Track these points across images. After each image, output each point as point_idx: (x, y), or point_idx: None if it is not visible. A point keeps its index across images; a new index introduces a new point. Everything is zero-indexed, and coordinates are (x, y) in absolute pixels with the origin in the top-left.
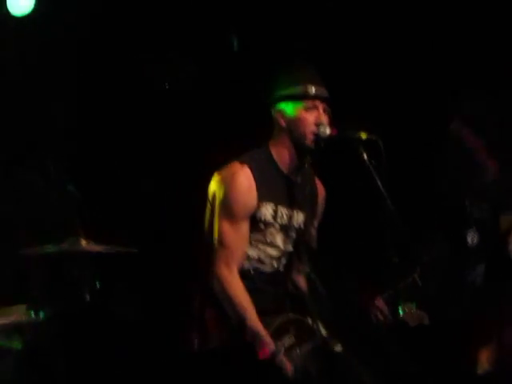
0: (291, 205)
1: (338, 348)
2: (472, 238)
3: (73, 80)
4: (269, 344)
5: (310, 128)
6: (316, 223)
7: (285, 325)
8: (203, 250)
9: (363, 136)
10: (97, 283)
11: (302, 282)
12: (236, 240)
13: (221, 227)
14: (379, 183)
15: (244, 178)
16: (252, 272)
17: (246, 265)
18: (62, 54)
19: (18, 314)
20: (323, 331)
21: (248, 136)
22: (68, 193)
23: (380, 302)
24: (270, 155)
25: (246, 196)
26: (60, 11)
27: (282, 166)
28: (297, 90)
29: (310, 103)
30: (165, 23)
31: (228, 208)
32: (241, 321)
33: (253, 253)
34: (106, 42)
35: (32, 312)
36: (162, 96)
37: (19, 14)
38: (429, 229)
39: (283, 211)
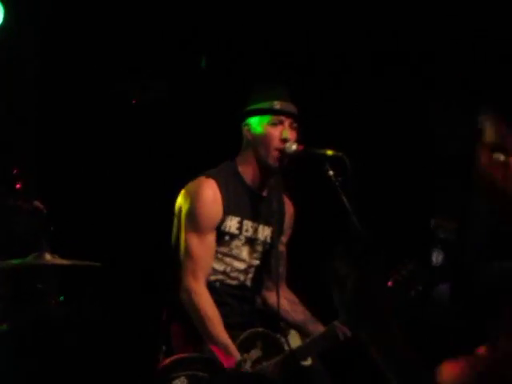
0: (257, 219)
1: (308, 362)
2: (436, 257)
3: (36, 93)
4: (235, 355)
5: (275, 143)
6: (285, 238)
7: (252, 338)
8: (170, 264)
9: (329, 152)
10: (60, 296)
11: (271, 298)
12: (203, 252)
13: (187, 239)
14: (344, 199)
15: (209, 191)
16: (218, 285)
17: (212, 278)
18: (26, 67)
19: None
20: (293, 345)
21: (216, 152)
22: (34, 208)
23: None
24: (237, 170)
25: (211, 208)
26: (27, 24)
27: (248, 180)
28: (264, 105)
29: (275, 118)
30: (136, 39)
31: (194, 220)
32: (207, 332)
33: (219, 266)
34: (74, 56)
35: None
36: (130, 112)
37: None
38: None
39: (249, 224)
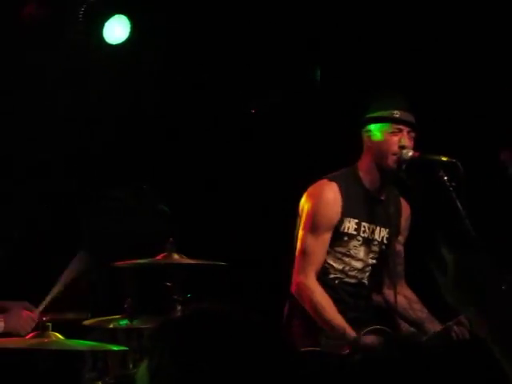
0: (374, 221)
1: None
2: None
3: (160, 105)
4: (351, 335)
5: (393, 150)
6: (402, 239)
7: (371, 333)
8: (292, 261)
9: (443, 159)
10: (187, 294)
11: (390, 296)
12: (316, 249)
13: (303, 237)
14: (458, 204)
15: (330, 193)
16: (336, 282)
17: (331, 276)
18: (151, 80)
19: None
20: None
21: (336, 158)
22: (160, 211)
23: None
24: (357, 174)
25: (331, 209)
26: (153, 40)
27: (367, 184)
28: (384, 113)
29: (395, 127)
30: (252, 51)
31: (312, 219)
32: (322, 318)
33: (337, 265)
34: (195, 68)
35: (127, 320)
36: (249, 120)
37: (114, 43)
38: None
39: (366, 226)
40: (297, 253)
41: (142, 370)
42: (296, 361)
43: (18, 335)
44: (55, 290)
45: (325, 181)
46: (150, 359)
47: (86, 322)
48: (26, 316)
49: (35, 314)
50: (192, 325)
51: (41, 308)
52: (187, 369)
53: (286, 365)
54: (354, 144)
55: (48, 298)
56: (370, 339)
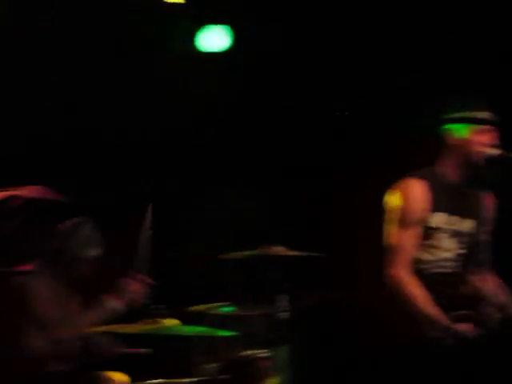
0: (461, 213)
1: None
2: None
3: (256, 108)
4: (445, 322)
5: (479, 148)
6: (488, 229)
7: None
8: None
9: None
10: (287, 284)
11: (479, 283)
12: (407, 243)
13: (394, 232)
14: None
15: (418, 190)
16: (428, 273)
17: (422, 267)
18: (248, 86)
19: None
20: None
21: (419, 155)
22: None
23: None
24: (441, 171)
25: (419, 205)
26: (251, 49)
27: (451, 179)
28: (468, 114)
29: (480, 127)
30: (345, 55)
31: (402, 215)
32: (416, 308)
33: (427, 256)
34: (289, 74)
35: (235, 308)
36: (340, 122)
37: (211, 51)
38: None
39: (454, 219)
40: (389, 247)
41: (282, 354)
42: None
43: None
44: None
45: (412, 178)
46: (290, 344)
47: (198, 309)
48: (133, 286)
49: (137, 278)
50: (322, 313)
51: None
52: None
53: None
54: (433, 144)
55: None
56: (461, 326)
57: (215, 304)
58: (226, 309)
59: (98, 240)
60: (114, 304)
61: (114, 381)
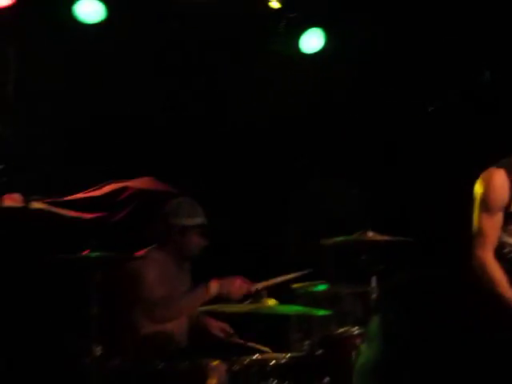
0: None
1: None
2: None
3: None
4: None
5: None
6: None
7: None
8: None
9: None
10: (381, 267)
11: None
12: (491, 228)
13: (479, 218)
14: None
15: (499, 178)
16: (510, 256)
17: (506, 249)
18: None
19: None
20: None
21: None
22: (355, 195)
23: None
24: None
25: (500, 192)
26: (345, 52)
27: None
28: None
29: None
30: (430, 54)
31: (485, 202)
32: (496, 290)
33: (510, 240)
34: (379, 71)
35: (329, 287)
36: (428, 117)
37: (310, 52)
38: None
39: None
40: (474, 232)
41: (373, 327)
42: None
43: (230, 300)
44: (281, 279)
45: (494, 168)
46: (382, 317)
47: (294, 287)
48: (239, 284)
49: (250, 286)
50: (416, 288)
51: (260, 286)
52: (415, 325)
53: None
54: None
55: (272, 282)
56: None
57: (311, 284)
58: (321, 288)
59: (200, 210)
60: (213, 289)
61: (214, 368)
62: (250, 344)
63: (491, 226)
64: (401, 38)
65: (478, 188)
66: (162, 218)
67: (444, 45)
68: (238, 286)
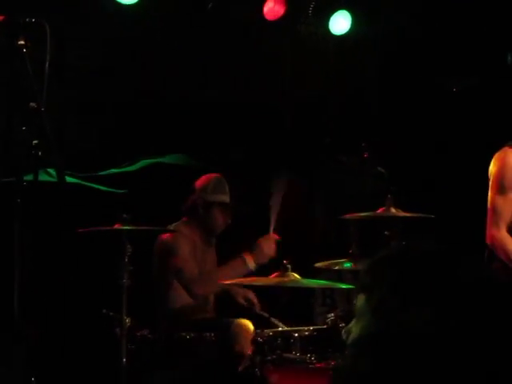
0: None
1: None
2: None
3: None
4: None
5: None
6: None
7: None
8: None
9: None
10: (402, 242)
11: None
12: (503, 206)
13: (492, 196)
14: None
15: (511, 157)
16: None
17: None
18: (369, 65)
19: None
20: None
21: None
22: (378, 172)
23: None
24: None
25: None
26: (369, 33)
27: None
28: None
29: None
30: (455, 36)
31: (498, 181)
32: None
33: None
34: (405, 56)
35: (352, 263)
36: (450, 98)
37: (339, 34)
38: None
39: None
40: (488, 210)
41: (361, 305)
42: None
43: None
44: (274, 213)
45: (507, 148)
46: (370, 294)
47: (318, 264)
48: (270, 247)
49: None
50: (409, 259)
51: (271, 228)
52: (407, 302)
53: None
54: None
55: (272, 220)
56: None
57: (335, 260)
58: (345, 264)
59: (226, 189)
60: (250, 263)
61: (242, 326)
62: (274, 320)
63: (505, 205)
64: (424, 21)
65: (492, 167)
66: (192, 192)
67: (469, 28)
68: (269, 249)
